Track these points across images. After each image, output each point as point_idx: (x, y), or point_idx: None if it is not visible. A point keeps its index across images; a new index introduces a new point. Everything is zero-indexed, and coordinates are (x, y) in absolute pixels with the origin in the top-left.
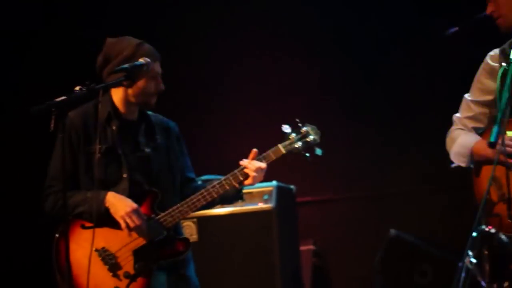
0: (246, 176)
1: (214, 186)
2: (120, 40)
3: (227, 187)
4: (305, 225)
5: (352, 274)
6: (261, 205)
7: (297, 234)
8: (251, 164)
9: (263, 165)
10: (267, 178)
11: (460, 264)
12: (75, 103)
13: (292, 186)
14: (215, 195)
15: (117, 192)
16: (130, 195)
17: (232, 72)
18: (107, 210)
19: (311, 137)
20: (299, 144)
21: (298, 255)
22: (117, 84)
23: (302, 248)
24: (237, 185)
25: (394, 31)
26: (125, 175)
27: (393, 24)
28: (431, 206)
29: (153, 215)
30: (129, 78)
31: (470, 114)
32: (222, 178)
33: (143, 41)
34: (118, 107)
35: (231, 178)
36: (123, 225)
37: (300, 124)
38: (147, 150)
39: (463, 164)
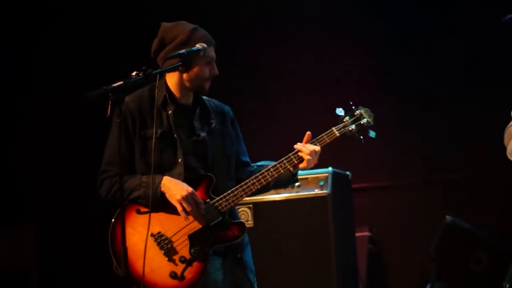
0: (301, 159)
1: (268, 170)
2: (175, 25)
3: (282, 171)
4: (360, 211)
5: (408, 260)
6: (316, 191)
7: (353, 220)
8: (305, 147)
9: (317, 148)
10: (323, 164)
11: None
12: (131, 88)
13: (348, 172)
14: (270, 179)
15: (172, 177)
16: (185, 180)
17: (286, 57)
18: (163, 195)
19: (365, 120)
20: (352, 127)
21: (353, 241)
22: (173, 69)
23: (358, 234)
24: (291, 169)
25: (451, 16)
26: (180, 160)
27: (450, 9)
28: (488, 193)
29: (208, 200)
30: (185, 63)
31: None
32: (277, 162)
33: (198, 26)
34: (173, 91)
35: (285, 161)
36: (179, 209)
37: (353, 107)
38: (202, 134)
39: None
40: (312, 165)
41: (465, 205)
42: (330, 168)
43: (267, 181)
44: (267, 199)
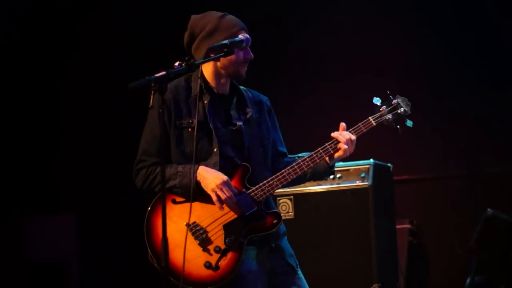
0: (337, 149)
1: (304, 160)
2: (203, 15)
3: (318, 161)
4: (401, 203)
5: (448, 253)
6: (358, 183)
7: (394, 212)
8: (342, 136)
9: (353, 136)
10: (364, 155)
11: None
12: (172, 78)
13: (389, 164)
14: (306, 169)
15: (208, 166)
16: (220, 169)
17: (322, 50)
18: (198, 184)
19: (402, 109)
20: (389, 116)
21: (394, 233)
22: (216, 59)
23: (398, 226)
24: (327, 159)
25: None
26: (215, 149)
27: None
28: None
29: (243, 189)
30: (228, 53)
31: None
32: (313, 152)
33: (226, 13)
34: (209, 81)
35: (321, 151)
36: (214, 198)
37: (391, 96)
38: (239, 123)
39: None
40: (348, 154)
41: (506, 198)
42: (371, 160)
43: (303, 171)
44: (308, 191)
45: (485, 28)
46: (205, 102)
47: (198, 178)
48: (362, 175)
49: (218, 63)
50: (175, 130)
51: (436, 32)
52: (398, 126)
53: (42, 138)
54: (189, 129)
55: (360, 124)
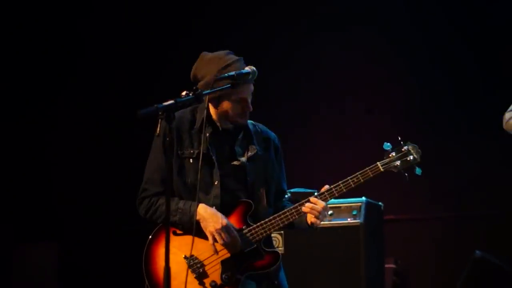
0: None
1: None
2: (208, 61)
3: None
4: (387, 242)
5: None
6: (349, 220)
7: (383, 251)
8: (314, 207)
9: (324, 204)
10: (355, 193)
11: None
12: (180, 107)
13: (380, 203)
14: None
15: (209, 199)
16: (222, 203)
17: (325, 84)
18: (197, 223)
19: (411, 157)
20: (398, 162)
21: (382, 272)
22: (222, 91)
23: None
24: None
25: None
26: (216, 182)
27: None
28: None
29: (244, 226)
30: (234, 85)
31: None
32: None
33: (231, 61)
34: (213, 115)
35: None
36: (210, 241)
37: (401, 142)
38: (242, 159)
39: None
40: (323, 220)
41: (495, 241)
42: (363, 198)
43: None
44: None
45: (470, 67)
46: (207, 134)
47: (197, 217)
48: (354, 212)
49: (214, 110)
50: (177, 160)
51: (423, 73)
52: (406, 174)
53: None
54: (190, 160)
55: (367, 168)
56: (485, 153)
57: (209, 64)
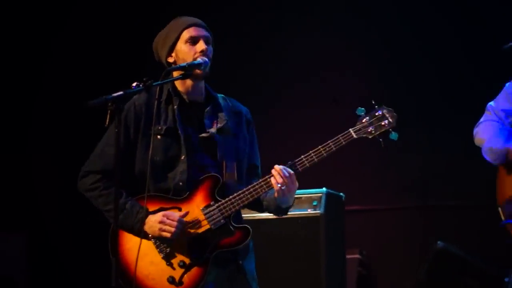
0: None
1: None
2: (163, 41)
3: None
4: (351, 233)
5: (397, 285)
6: (309, 211)
7: (344, 242)
8: (278, 175)
9: (291, 171)
10: (316, 184)
11: (506, 279)
12: (129, 98)
13: (341, 194)
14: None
15: (175, 174)
16: (189, 178)
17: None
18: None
19: (386, 121)
20: (371, 128)
21: (344, 263)
22: (172, 81)
23: (348, 256)
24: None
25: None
26: (183, 157)
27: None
28: (481, 219)
29: (212, 202)
30: (187, 76)
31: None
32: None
33: (172, 23)
34: (178, 86)
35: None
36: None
37: (376, 107)
38: (212, 130)
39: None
40: (291, 191)
41: (457, 231)
42: (324, 189)
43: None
44: (258, 217)
45: (445, 58)
46: (175, 107)
47: (142, 226)
48: (314, 203)
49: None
50: (144, 138)
51: (398, 62)
52: (381, 139)
53: None
54: (158, 136)
55: (339, 136)
56: (452, 144)
57: (162, 46)
